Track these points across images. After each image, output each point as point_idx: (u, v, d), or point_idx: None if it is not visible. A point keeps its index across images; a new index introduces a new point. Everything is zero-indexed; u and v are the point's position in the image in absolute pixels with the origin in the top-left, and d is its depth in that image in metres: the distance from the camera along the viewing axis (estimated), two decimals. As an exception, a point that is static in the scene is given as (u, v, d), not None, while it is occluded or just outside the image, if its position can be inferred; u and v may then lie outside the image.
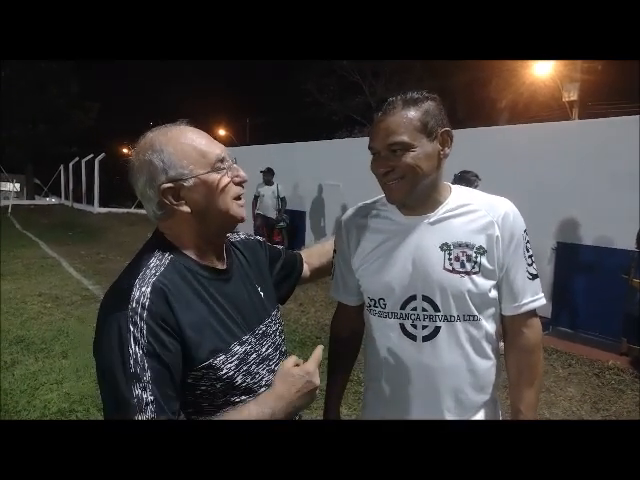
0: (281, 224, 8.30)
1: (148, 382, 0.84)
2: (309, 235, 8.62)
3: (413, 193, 1.11)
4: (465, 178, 3.77)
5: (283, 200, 8.30)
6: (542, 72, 15.90)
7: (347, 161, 7.56)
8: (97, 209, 17.39)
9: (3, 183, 21.90)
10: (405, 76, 18.77)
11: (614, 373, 3.80)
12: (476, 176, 3.88)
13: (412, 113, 1.07)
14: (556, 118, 12.86)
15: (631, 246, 4.09)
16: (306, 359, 1.01)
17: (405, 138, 1.06)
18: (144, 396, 0.83)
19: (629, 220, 4.10)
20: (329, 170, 8.04)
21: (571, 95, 15.58)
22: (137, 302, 0.87)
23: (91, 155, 17.97)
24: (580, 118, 13.65)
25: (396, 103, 1.08)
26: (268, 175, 8.12)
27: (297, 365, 0.98)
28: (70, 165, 20.14)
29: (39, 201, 22.79)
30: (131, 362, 0.84)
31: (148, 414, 0.83)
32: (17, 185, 23.25)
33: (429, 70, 18.00)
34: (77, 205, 19.53)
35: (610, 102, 14.48)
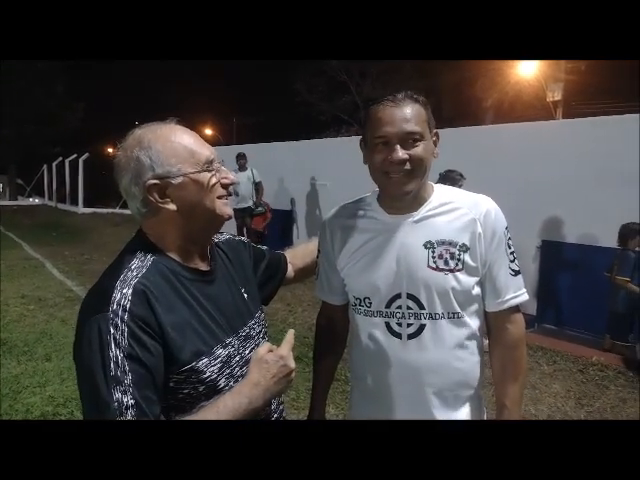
0: (259, 209, 8.02)
1: (129, 385, 0.82)
2: (296, 234, 8.61)
3: (416, 188, 1.12)
4: (450, 177, 3.79)
5: (259, 185, 7.95)
6: (527, 72, 16.09)
7: (335, 161, 7.56)
8: (81, 209, 17.17)
9: (-15, 184, 21.56)
10: (392, 76, 18.83)
11: (598, 369, 3.85)
12: (461, 175, 3.90)
13: (421, 108, 1.10)
14: (540, 118, 13.00)
15: (615, 244, 4.15)
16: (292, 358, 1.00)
17: (420, 128, 1.09)
18: (124, 400, 0.82)
19: (613, 218, 4.16)
20: (317, 170, 8.03)
21: (555, 95, 15.80)
22: (118, 304, 0.86)
23: (75, 155, 17.74)
24: (564, 118, 13.83)
25: (405, 96, 1.10)
26: (241, 160, 7.83)
27: (271, 351, 0.98)
28: (54, 165, 19.87)
29: (22, 202, 22.45)
30: (112, 365, 0.82)
31: (128, 418, 0.81)
32: (-1, 185, 22.91)
33: (416, 70, 18.08)
34: (61, 205, 19.27)
35: (594, 102, 14.68)
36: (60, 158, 19.41)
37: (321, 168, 7.91)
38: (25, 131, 21.94)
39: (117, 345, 0.83)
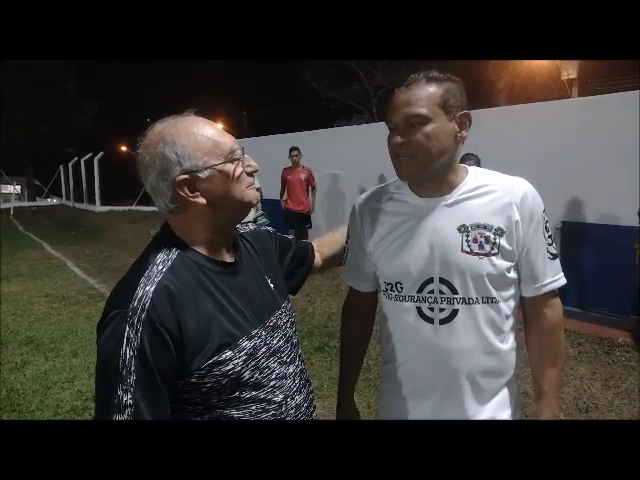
0: (261, 220, 7.03)
1: (131, 385, 0.83)
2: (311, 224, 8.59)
3: (425, 171, 1.09)
4: (465, 161, 3.71)
5: (258, 192, 7.15)
6: (540, 51, 15.61)
7: (347, 149, 7.52)
8: (98, 208, 17.40)
9: (4, 186, 21.90)
10: (402, 61, 18.58)
11: (624, 350, 3.79)
12: (475, 156, 3.83)
13: (434, 88, 1.07)
14: (555, 97, 12.70)
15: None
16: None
17: (424, 111, 1.05)
18: (124, 399, 0.83)
19: (634, 196, 4.06)
20: (329, 159, 7.99)
21: (570, 73, 15.38)
22: (139, 301, 0.87)
23: (90, 154, 17.95)
24: (580, 96, 13.49)
25: (419, 78, 1.08)
26: None
27: None
28: (70, 165, 20.13)
29: (41, 202, 22.82)
30: (119, 363, 0.83)
31: (125, 417, 0.83)
32: (18, 187, 23.24)
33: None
34: (78, 205, 19.54)
35: (611, 79, 14.29)
36: (76, 158, 19.65)
37: (333, 158, 7.87)
38: (38, 132, 22.19)
39: (129, 344, 0.84)
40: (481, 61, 16.54)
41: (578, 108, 5.16)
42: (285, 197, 7.33)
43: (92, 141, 22.03)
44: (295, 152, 7.20)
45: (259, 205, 6.96)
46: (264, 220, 7.35)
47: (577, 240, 4.84)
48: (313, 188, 7.27)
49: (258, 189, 4.74)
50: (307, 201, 7.34)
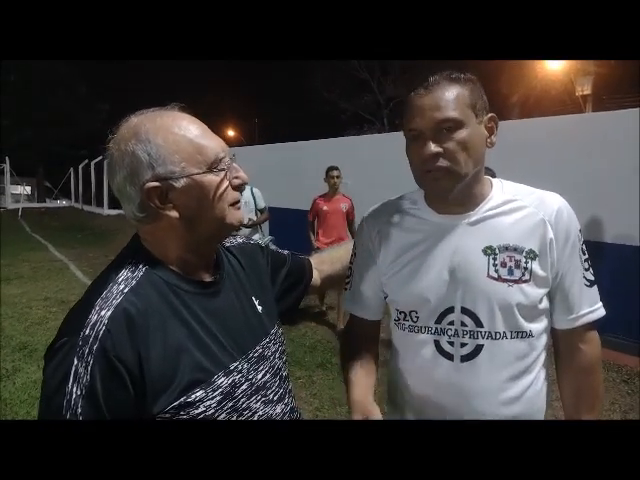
0: (272, 247, 5.44)
1: None
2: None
3: (460, 185, 0.94)
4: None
5: (263, 212, 4.88)
6: (554, 66, 15.58)
7: (356, 159, 7.40)
8: (107, 211, 17.41)
9: (14, 186, 22.02)
10: (414, 71, 18.55)
11: (645, 379, 3.59)
12: (490, 170, 3.68)
13: (460, 89, 0.92)
14: (569, 113, 12.59)
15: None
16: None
17: (457, 114, 0.90)
18: None
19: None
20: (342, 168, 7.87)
21: (584, 89, 15.26)
22: (91, 329, 0.72)
23: (100, 157, 18.02)
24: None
25: (440, 79, 0.93)
26: None
27: None
28: (80, 167, 20.22)
29: (50, 204, 22.93)
30: (64, 403, 0.69)
31: None
32: (28, 188, 23.39)
33: (440, 67, 17.72)
34: (87, 207, 19.60)
35: (625, 95, 14.12)
36: (86, 160, 19.74)
37: (342, 167, 7.75)
38: (48, 133, 22.33)
39: (76, 380, 0.70)
40: (495, 73, 16.46)
41: (593, 123, 5.00)
42: (315, 236, 5.13)
43: (103, 144, 22.14)
44: (336, 172, 5.27)
45: (266, 228, 5.83)
46: (273, 247, 6.59)
47: (592, 260, 4.63)
48: (351, 222, 5.13)
49: (262, 210, 3.95)
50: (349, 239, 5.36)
